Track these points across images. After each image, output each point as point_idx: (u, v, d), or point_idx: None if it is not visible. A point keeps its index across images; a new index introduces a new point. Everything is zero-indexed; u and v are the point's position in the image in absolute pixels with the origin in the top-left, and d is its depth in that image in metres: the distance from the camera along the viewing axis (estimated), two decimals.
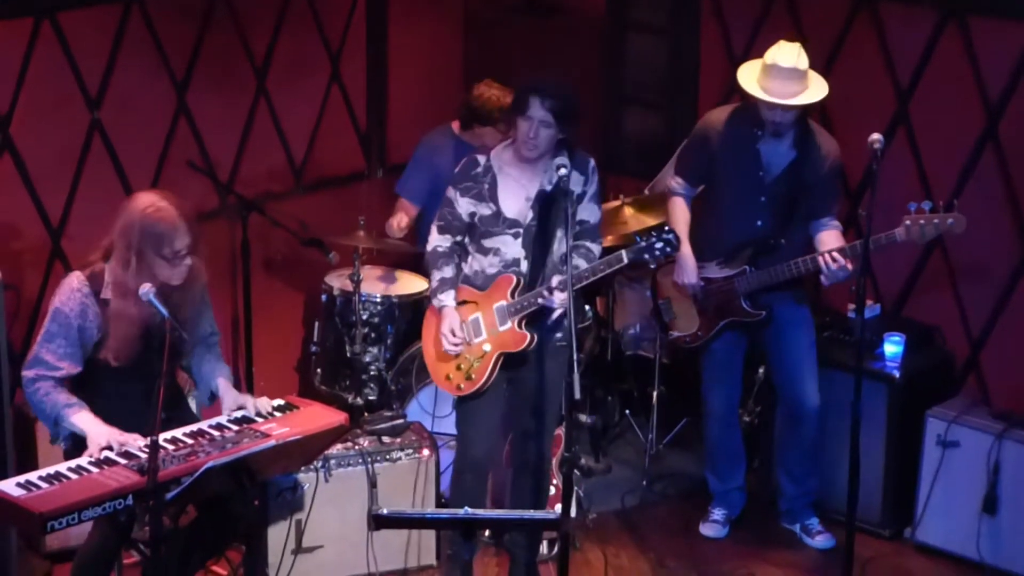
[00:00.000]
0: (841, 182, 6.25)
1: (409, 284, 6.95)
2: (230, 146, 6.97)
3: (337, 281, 6.82)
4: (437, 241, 5.66)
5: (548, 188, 5.49)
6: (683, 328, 6.30)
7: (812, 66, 5.95)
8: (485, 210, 5.55)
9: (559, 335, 5.63)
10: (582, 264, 5.50)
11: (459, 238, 5.65)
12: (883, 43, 6.64)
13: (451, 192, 5.61)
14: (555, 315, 5.53)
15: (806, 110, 5.95)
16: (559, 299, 5.43)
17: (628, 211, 6.92)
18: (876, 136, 5.46)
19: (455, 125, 6.95)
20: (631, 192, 7.02)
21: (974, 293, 6.54)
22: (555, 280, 5.43)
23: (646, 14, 7.60)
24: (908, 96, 6.60)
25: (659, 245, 5.33)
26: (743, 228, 6.08)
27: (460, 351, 5.58)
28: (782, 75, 5.79)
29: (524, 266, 5.56)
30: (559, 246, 5.55)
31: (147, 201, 5.14)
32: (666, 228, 5.35)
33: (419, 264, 6.83)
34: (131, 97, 6.50)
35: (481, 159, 5.59)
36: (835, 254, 5.83)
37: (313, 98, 7.30)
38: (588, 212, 5.61)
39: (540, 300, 5.47)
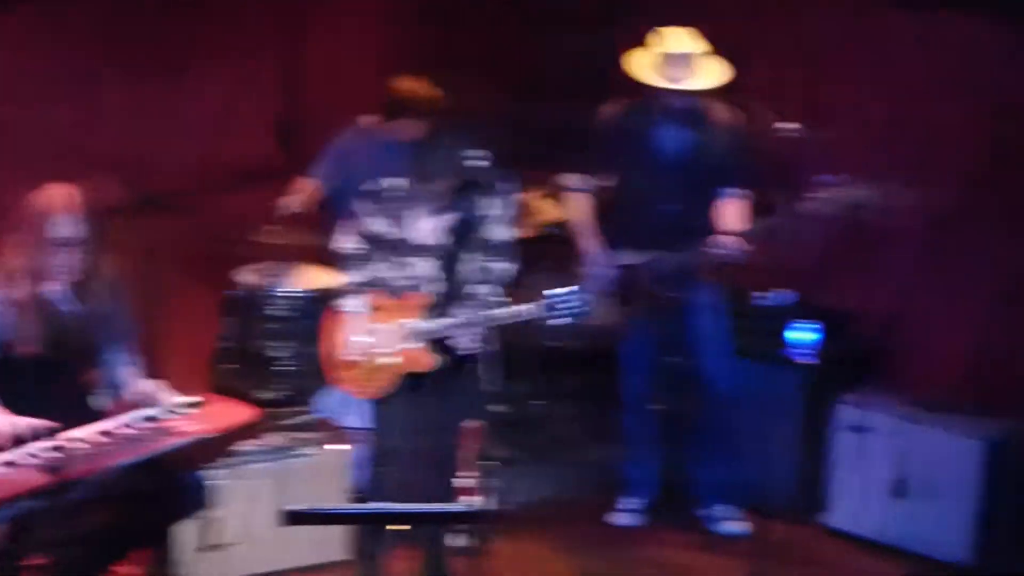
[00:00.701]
0: (746, 154, 6.24)
1: (322, 279, 6.86)
2: (137, 138, 6.92)
3: (250, 277, 6.83)
4: (347, 242, 5.66)
5: (461, 214, 5.52)
6: (599, 317, 6.27)
7: (726, 53, 6.09)
8: (396, 232, 5.57)
9: (474, 350, 5.64)
10: (483, 289, 5.48)
11: (370, 244, 5.64)
12: (795, 27, 6.85)
13: (363, 206, 5.62)
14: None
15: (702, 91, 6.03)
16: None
17: (540, 203, 7.12)
18: (788, 124, 5.85)
19: (373, 120, 6.90)
20: (543, 184, 7.11)
21: (886, 278, 6.70)
22: (463, 317, 5.47)
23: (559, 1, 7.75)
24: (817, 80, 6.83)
25: (568, 305, 5.33)
26: (654, 215, 6.16)
27: (367, 361, 5.59)
28: (676, 61, 5.91)
29: (436, 285, 5.57)
30: (467, 267, 5.54)
31: (52, 187, 5.20)
32: (576, 289, 5.34)
33: (332, 259, 6.71)
34: (30, 86, 6.46)
35: (395, 181, 5.60)
36: (721, 240, 5.94)
37: (225, 85, 7.26)
38: (495, 232, 5.57)
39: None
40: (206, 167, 7.27)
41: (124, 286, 5.45)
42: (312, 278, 6.97)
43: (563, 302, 5.34)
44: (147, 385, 5.45)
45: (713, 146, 6.11)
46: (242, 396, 6.34)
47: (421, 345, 5.53)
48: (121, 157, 6.79)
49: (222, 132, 7.33)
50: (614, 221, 6.31)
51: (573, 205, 6.33)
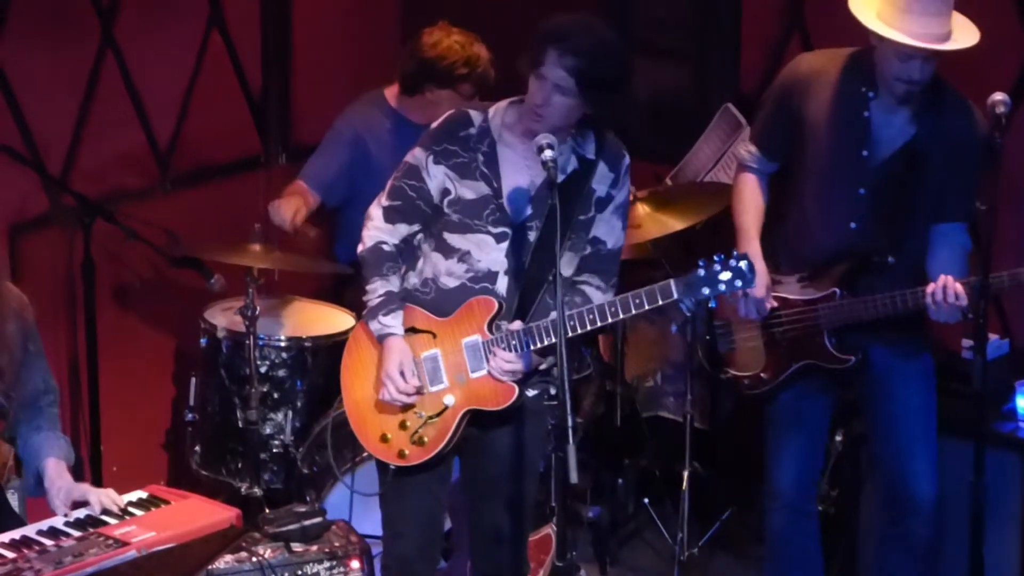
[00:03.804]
0: (979, 173, 6.02)
1: (328, 320, 6.93)
2: (64, 123, 6.96)
3: (222, 317, 6.85)
4: (383, 234, 5.59)
5: (561, 176, 5.39)
6: (743, 366, 6.21)
7: None
8: (467, 192, 5.49)
9: (540, 391, 5.60)
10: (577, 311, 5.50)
11: (416, 229, 5.58)
12: None
13: (419, 155, 5.55)
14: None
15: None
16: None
17: (642, 209, 6.89)
18: (999, 96, 5.51)
19: (390, 92, 6.99)
20: (646, 182, 6.99)
21: None
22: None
23: None
24: None
25: (725, 277, 5.26)
26: (830, 230, 6.05)
27: (411, 402, 5.51)
28: (925, 9, 5.72)
29: (502, 284, 5.50)
30: (569, 268, 5.54)
31: None
32: (735, 254, 5.30)
33: (341, 291, 7.13)
34: None
35: (476, 116, 5.55)
36: (949, 286, 5.73)
37: (184, 52, 7.33)
38: (607, 229, 5.55)
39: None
40: (158, 161, 7.31)
41: (36, 330, 5.44)
42: (315, 317, 7.00)
43: (720, 271, 5.28)
44: (77, 476, 5.41)
45: (942, 151, 5.92)
46: (216, 489, 6.62)
47: (486, 372, 5.51)
48: (37, 149, 6.84)
49: (180, 111, 7.37)
50: (777, 231, 6.22)
51: (740, 188, 6.19)
